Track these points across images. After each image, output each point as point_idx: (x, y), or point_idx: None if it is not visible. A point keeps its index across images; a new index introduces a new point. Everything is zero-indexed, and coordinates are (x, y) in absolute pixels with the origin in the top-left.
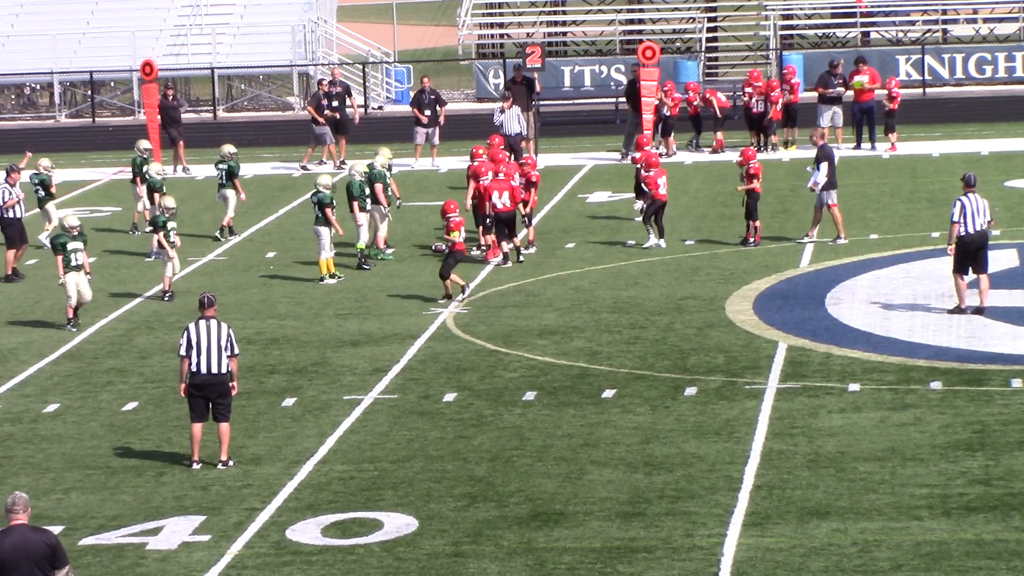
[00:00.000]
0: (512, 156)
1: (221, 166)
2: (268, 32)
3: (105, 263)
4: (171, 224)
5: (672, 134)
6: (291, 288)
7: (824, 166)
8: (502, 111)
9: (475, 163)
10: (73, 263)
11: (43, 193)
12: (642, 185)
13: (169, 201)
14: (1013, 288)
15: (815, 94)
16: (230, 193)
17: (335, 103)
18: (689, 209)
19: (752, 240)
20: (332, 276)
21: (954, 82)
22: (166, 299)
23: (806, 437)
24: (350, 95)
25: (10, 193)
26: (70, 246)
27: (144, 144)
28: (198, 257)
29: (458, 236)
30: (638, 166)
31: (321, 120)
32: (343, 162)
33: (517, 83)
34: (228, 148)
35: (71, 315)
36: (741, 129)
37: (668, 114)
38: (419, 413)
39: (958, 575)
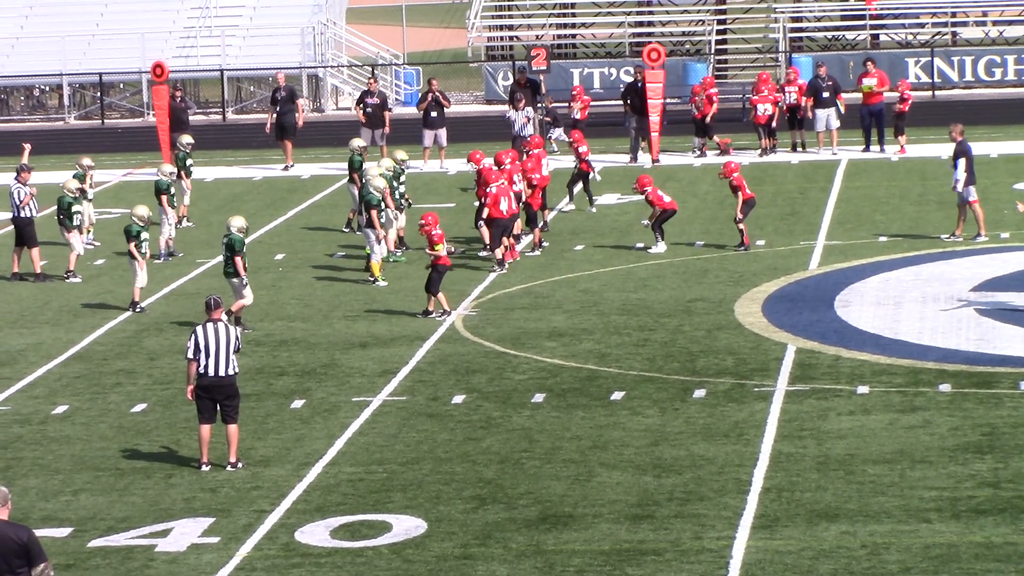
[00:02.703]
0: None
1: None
2: (277, 34)
3: (114, 264)
4: (144, 235)
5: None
6: (300, 290)
7: (962, 162)
8: (518, 110)
9: (484, 167)
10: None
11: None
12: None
13: (142, 210)
14: (1023, 291)
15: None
16: (351, 187)
17: (279, 107)
18: (698, 211)
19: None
20: (376, 279)
21: (963, 84)
22: (137, 311)
23: (815, 439)
24: (295, 99)
25: (24, 192)
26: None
27: (185, 139)
28: (207, 259)
29: (441, 249)
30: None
31: (362, 119)
32: (288, 166)
33: (521, 85)
34: (355, 142)
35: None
36: (750, 132)
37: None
38: (428, 415)
39: None
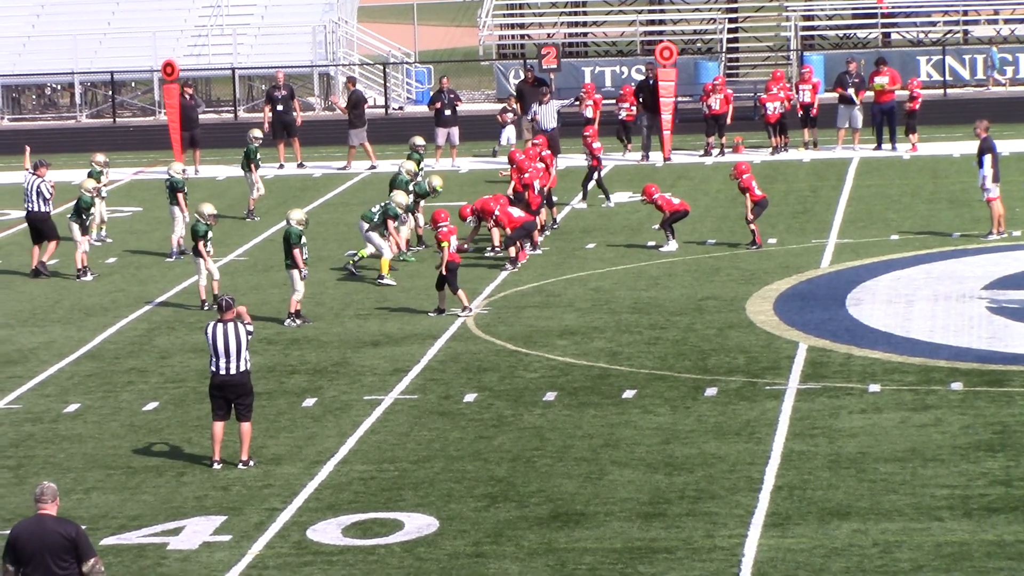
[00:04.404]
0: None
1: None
2: (289, 32)
3: (126, 263)
4: (211, 234)
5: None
6: (312, 288)
7: (988, 159)
8: (540, 103)
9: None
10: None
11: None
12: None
13: (208, 208)
14: None
15: (836, 94)
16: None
17: (280, 107)
18: (709, 210)
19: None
20: (384, 276)
21: (975, 83)
22: (205, 308)
23: (827, 438)
24: (294, 98)
25: (48, 188)
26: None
27: (256, 132)
28: (219, 258)
29: (448, 246)
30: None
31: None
32: (301, 164)
33: (529, 84)
34: (415, 140)
35: (299, 308)
36: (762, 130)
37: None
38: (439, 413)
39: None
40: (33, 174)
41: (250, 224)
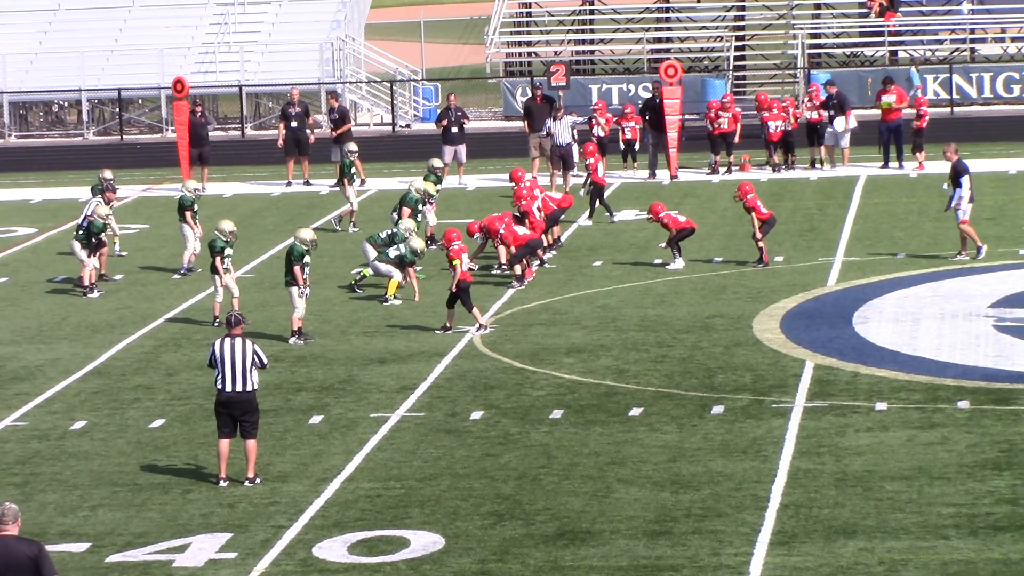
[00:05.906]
0: (563, 165)
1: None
2: (296, 50)
3: (133, 280)
4: (228, 251)
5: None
6: (318, 306)
7: (966, 180)
8: (554, 119)
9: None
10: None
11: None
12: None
13: (227, 225)
14: None
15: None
16: (426, 209)
17: (294, 123)
18: (716, 228)
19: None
20: (388, 298)
21: (981, 101)
22: (216, 324)
23: (833, 456)
24: (309, 115)
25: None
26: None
27: (352, 146)
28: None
29: (460, 265)
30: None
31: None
32: (307, 182)
33: (537, 102)
34: (434, 162)
35: (300, 326)
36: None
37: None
38: (446, 431)
39: None
40: (101, 196)
41: (256, 242)
